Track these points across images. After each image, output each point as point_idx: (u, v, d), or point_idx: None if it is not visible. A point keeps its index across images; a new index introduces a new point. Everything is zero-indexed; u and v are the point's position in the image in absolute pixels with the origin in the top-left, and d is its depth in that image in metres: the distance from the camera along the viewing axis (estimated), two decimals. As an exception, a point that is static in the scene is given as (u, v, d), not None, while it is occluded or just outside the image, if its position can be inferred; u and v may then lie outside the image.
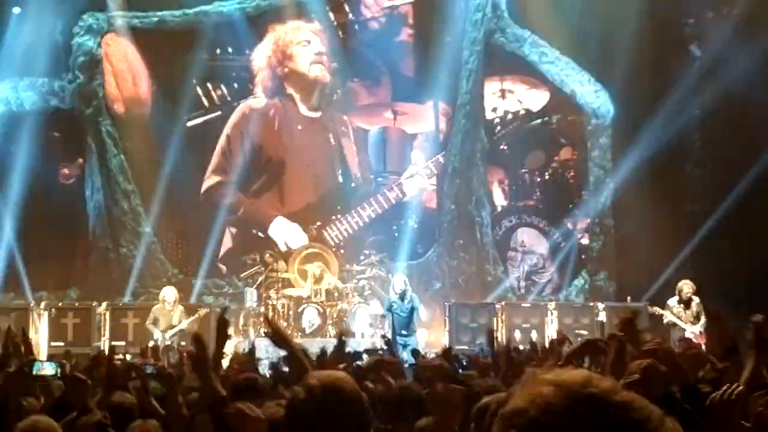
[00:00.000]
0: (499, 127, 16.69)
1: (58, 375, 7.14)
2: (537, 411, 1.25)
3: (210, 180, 15.86)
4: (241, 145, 15.83)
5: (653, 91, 15.13)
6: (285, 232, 15.61)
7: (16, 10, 15.41)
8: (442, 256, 16.03)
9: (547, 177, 16.69)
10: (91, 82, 15.70)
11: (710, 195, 14.88)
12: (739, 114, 14.51)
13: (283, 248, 15.40)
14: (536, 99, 16.68)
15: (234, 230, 15.83)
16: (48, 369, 7.70)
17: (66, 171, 15.91)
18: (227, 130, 15.92)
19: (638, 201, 15.14)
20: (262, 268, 15.04)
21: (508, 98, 16.64)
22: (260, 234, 15.67)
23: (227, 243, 15.88)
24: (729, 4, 15.22)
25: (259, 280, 14.94)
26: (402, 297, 12.93)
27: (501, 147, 16.70)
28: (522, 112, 16.65)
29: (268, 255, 15.14)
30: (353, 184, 16.21)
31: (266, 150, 15.92)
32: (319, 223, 15.54)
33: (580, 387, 1.25)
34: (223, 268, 15.75)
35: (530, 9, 16.16)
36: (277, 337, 3.94)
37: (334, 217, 15.72)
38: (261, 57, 15.95)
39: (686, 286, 12.58)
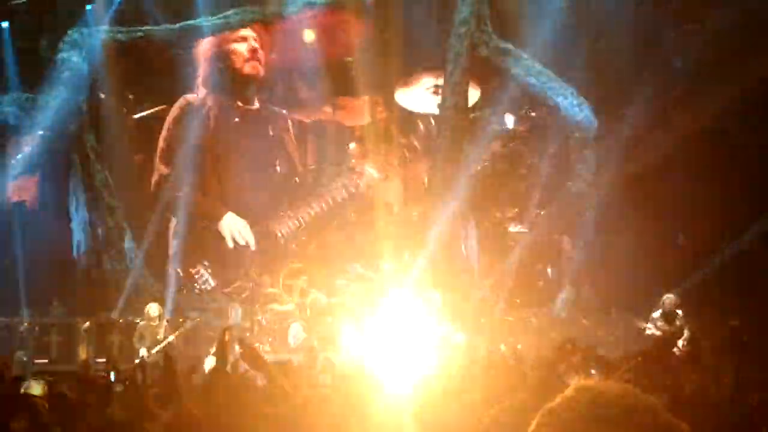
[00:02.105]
0: (434, 122, 16.75)
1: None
2: None
3: (158, 174, 16.01)
4: (180, 139, 15.92)
5: (636, 105, 15.24)
6: (234, 227, 15.70)
7: (3, 24, 15.37)
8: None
9: (479, 168, 16.72)
10: (76, 97, 15.62)
11: (694, 208, 14.98)
12: (724, 126, 14.65)
13: (231, 244, 15.48)
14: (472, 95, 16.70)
15: (174, 220, 15.84)
16: (35, 388, 7.66)
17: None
18: (167, 124, 16.15)
19: (622, 214, 15.22)
20: (248, 284, 15.02)
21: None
22: (208, 225, 15.79)
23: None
24: (710, 17, 15.36)
25: (244, 295, 14.91)
26: None
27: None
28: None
29: (252, 270, 15.13)
30: (296, 179, 16.51)
31: (203, 142, 15.97)
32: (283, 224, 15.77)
33: None
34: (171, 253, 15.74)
35: (515, 23, 16.23)
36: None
37: (282, 213, 15.93)
38: (201, 52, 16.22)
39: (669, 300, 12.66)
